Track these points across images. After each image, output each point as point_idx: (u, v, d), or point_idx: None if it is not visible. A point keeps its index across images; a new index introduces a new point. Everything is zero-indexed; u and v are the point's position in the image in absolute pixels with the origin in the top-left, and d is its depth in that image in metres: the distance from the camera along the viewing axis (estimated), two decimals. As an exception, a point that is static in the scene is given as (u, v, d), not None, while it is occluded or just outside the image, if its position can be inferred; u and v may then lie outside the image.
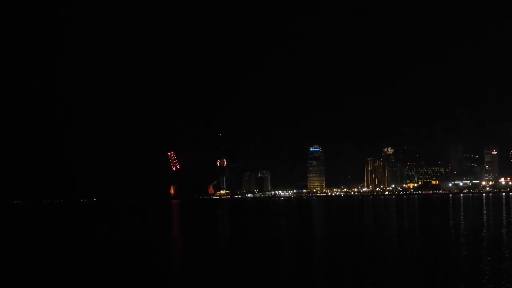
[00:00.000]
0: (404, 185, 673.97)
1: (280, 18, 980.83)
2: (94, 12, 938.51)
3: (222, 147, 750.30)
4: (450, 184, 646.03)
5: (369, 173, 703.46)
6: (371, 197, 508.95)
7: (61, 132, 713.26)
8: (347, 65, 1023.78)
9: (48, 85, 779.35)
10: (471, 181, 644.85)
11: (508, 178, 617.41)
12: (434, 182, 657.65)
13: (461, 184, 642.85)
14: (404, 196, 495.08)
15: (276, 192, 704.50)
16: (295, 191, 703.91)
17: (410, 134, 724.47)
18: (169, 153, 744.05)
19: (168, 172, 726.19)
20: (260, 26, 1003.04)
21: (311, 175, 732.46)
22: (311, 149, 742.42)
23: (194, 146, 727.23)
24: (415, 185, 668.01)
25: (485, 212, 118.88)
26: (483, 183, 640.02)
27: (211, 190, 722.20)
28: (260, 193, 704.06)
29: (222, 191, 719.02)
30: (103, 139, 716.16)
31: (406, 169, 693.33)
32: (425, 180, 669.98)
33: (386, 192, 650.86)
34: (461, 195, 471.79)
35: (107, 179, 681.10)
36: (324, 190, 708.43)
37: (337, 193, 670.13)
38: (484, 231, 65.75)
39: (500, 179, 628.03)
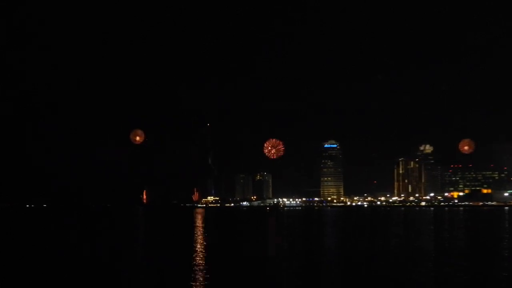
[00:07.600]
0: (446, 194, 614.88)
1: (285, 12, 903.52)
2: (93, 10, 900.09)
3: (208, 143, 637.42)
4: (505, 194, 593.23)
5: (400, 178, 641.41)
6: (402, 208, 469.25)
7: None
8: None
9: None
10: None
11: None
12: (485, 191, 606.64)
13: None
14: (446, 208, 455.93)
15: (280, 200, 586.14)
16: (304, 199, 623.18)
17: (454, 129, 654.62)
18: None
19: (140, 173, 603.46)
20: (265, 21, 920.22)
21: (326, 178, 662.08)
22: (326, 145, 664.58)
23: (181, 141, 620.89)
24: (461, 194, 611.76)
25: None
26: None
27: (195, 196, 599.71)
28: (259, 201, 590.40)
29: (210, 198, 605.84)
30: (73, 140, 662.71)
31: (449, 173, 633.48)
32: (473, 188, 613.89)
33: (423, 203, 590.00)
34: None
35: (72, 182, 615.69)
36: (341, 198, 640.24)
37: (359, 203, 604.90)
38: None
39: None
